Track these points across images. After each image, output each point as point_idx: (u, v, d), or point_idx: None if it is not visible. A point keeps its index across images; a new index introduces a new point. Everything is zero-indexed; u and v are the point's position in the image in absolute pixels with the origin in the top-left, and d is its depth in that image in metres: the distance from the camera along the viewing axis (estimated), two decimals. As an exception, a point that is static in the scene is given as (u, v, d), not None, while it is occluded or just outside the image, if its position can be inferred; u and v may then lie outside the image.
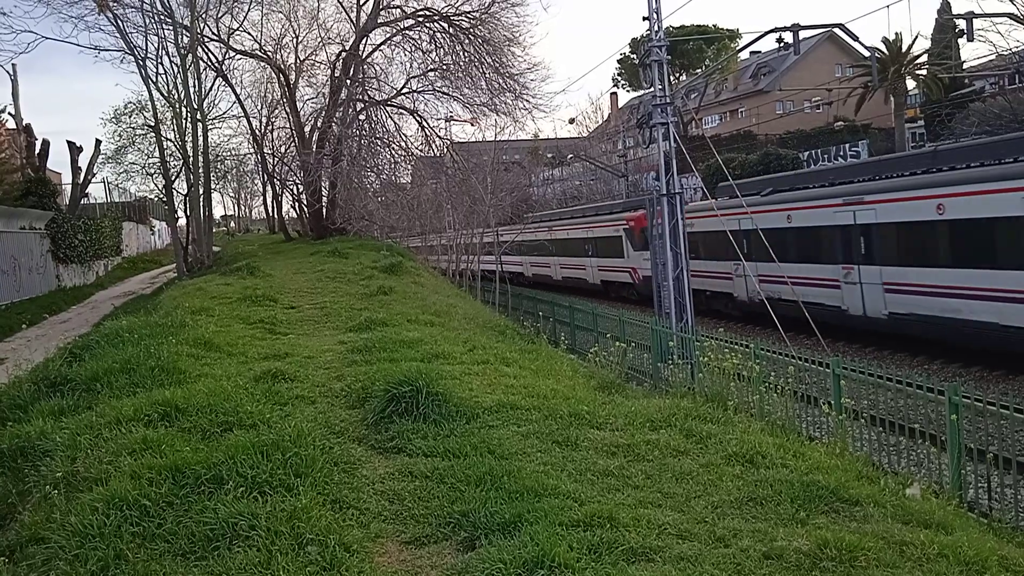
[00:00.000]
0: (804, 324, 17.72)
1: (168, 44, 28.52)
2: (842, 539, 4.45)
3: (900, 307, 18.50)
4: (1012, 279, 15.51)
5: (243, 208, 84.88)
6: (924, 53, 45.33)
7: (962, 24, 24.66)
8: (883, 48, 42.87)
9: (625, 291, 32.98)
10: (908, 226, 18.26)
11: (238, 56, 32.43)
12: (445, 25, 26.98)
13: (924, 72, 45.47)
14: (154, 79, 28.62)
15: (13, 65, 31.99)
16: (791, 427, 9.33)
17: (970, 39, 23.62)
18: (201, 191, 30.44)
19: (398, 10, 28.31)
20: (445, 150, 30.45)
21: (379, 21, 28.42)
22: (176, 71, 28.83)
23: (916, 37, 47.17)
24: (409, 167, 32.45)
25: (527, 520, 4.67)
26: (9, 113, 33.25)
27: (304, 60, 34.16)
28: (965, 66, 46.08)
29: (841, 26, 20.88)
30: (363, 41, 28.82)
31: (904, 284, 18.27)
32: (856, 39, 22.24)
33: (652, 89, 20.24)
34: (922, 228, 17.88)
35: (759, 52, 63.76)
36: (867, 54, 24.99)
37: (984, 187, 16.37)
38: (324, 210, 31.58)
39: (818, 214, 19.49)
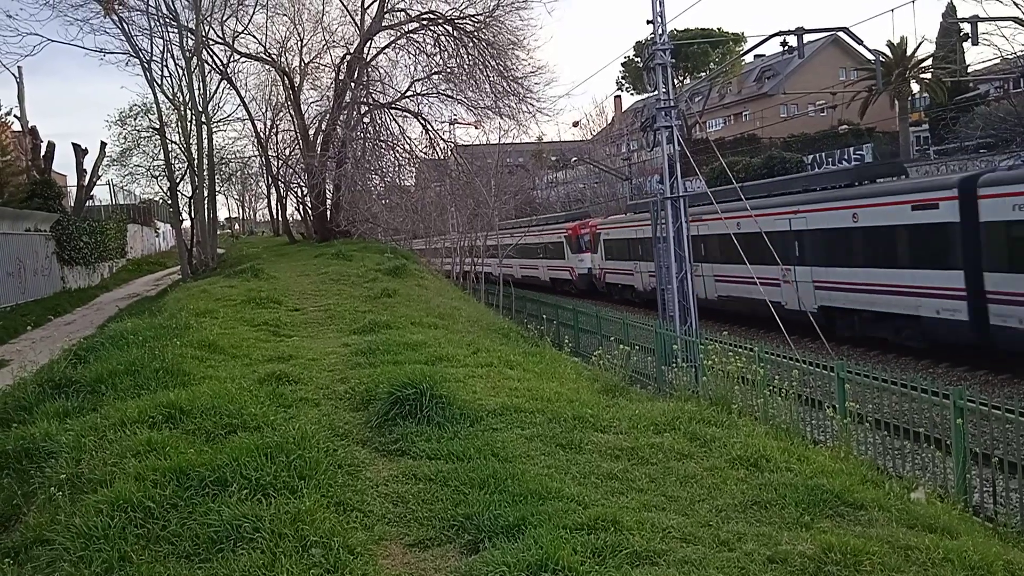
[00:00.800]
0: (755, 319, 21.56)
1: (173, 47, 28.62)
2: (847, 543, 4.44)
3: (828, 301, 21.63)
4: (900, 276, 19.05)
5: (247, 210, 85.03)
6: (929, 57, 45.32)
7: (967, 28, 24.60)
8: (887, 52, 42.85)
9: (566, 286, 39.78)
10: (831, 232, 21.20)
11: (243, 59, 32.59)
12: (449, 28, 27.02)
13: (928, 76, 45.43)
14: (159, 82, 28.68)
15: (19, 67, 32.08)
16: (795, 431, 9.31)
17: (975, 43, 23.54)
18: (205, 193, 30.48)
19: (402, 13, 28.37)
20: (449, 153, 30.48)
21: (383, 24, 28.47)
22: (181, 74, 28.91)
23: (921, 41, 47.09)
24: (413, 170, 32.46)
25: (531, 523, 4.67)
26: (15, 115, 33.35)
27: (308, 63, 34.29)
28: (970, 70, 46.03)
29: (845, 30, 20.87)
30: (367, 44, 28.87)
31: (829, 281, 21.47)
32: (860, 43, 22.23)
33: (656, 92, 20.24)
34: (842, 233, 20.87)
35: (763, 55, 63.90)
36: (871, 57, 24.95)
37: (885, 200, 19.79)
38: (328, 212, 31.62)
39: (762, 222, 21.25)
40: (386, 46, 29.27)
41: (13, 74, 31.64)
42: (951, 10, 46.19)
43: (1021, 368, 16.21)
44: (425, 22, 27.61)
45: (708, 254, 26.39)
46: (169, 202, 32.73)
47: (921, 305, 18.38)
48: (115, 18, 25.91)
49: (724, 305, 26.18)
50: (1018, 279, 15.91)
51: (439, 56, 27.83)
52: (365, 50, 28.82)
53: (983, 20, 25.59)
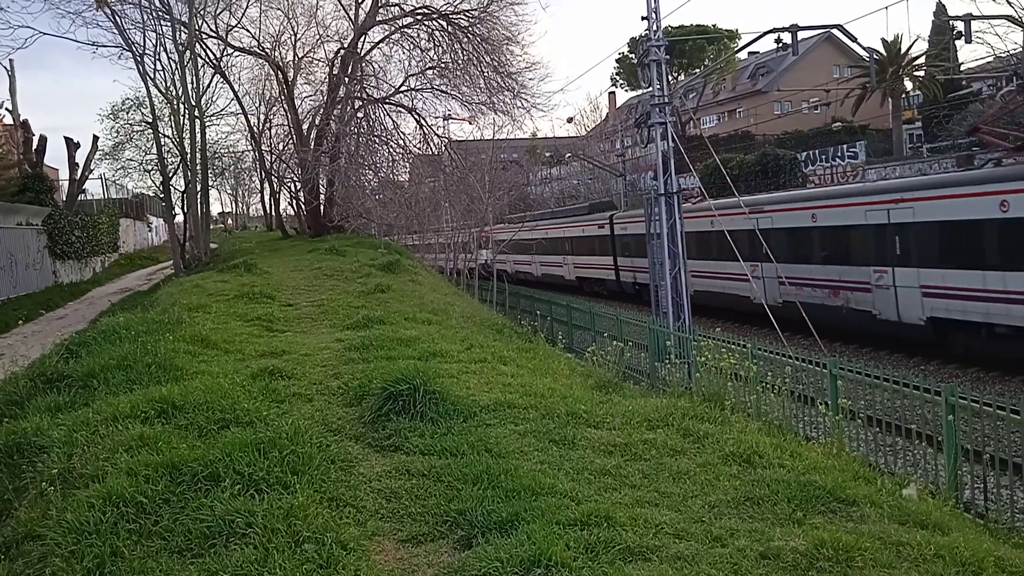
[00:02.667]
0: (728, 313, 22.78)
1: (166, 40, 28.59)
2: (839, 539, 4.45)
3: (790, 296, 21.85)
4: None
5: (241, 205, 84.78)
6: (922, 54, 45.44)
7: (960, 26, 24.68)
8: (881, 49, 42.93)
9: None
10: (792, 231, 21.81)
11: (236, 53, 32.48)
12: (444, 23, 26.97)
13: (922, 73, 45.55)
14: (152, 76, 28.65)
15: (11, 60, 32.01)
16: (788, 427, 9.33)
17: (968, 41, 23.63)
18: (199, 188, 30.44)
19: (397, 8, 28.31)
20: (443, 148, 30.45)
21: (378, 19, 28.40)
22: (174, 68, 28.86)
23: (916, 39, 47.20)
24: (407, 165, 32.45)
25: (524, 519, 4.67)
26: (7, 109, 33.23)
27: (302, 57, 34.20)
28: (963, 68, 46.15)
29: (839, 27, 20.90)
30: (362, 39, 28.81)
31: (790, 277, 21.70)
32: (854, 40, 22.29)
33: (650, 89, 20.25)
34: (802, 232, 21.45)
35: (757, 52, 63.83)
36: (865, 55, 25.04)
37: (839, 201, 20.58)
38: (322, 208, 31.57)
39: (729, 221, 21.93)
40: (380, 41, 29.22)
41: (5, 67, 31.50)
42: (943, 8, 46.33)
43: (1012, 366, 16.28)
44: (419, 17, 27.55)
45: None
46: (162, 196, 32.66)
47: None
48: (107, 11, 25.87)
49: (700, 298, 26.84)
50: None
51: (433, 51, 27.82)
52: (359, 45, 28.77)
53: (976, 18, 25.66)
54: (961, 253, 17.02)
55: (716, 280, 24.73)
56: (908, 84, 47.69)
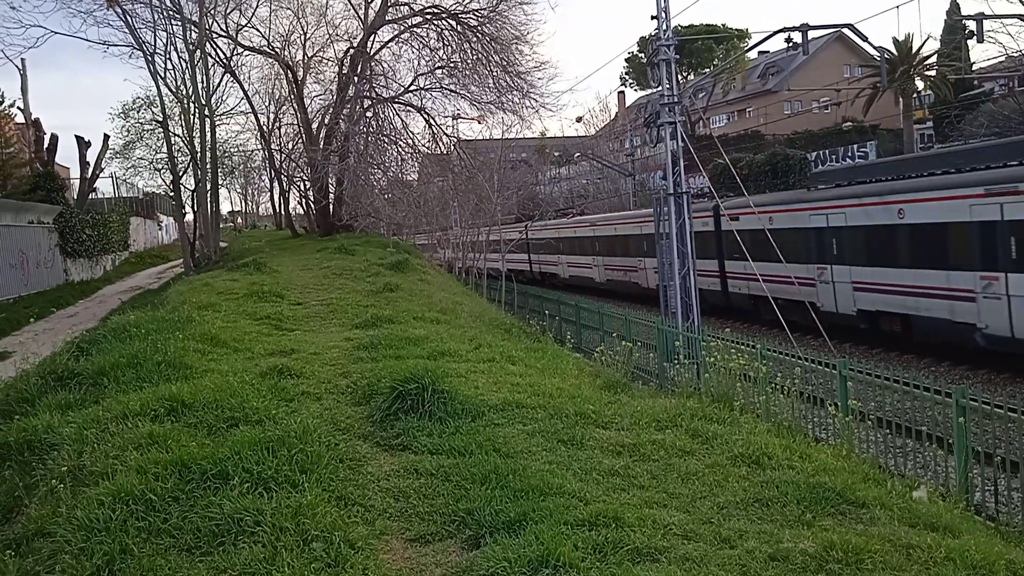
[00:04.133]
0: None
1: (177, 40, 28.66)
2: (848, 541, 4.44)
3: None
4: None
5: (250, 204, 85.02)
6: (934, 54, 45.12)
7: (972, 25, 24.54)
8: (892, 49, 42.66)
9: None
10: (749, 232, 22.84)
11: (246, 52, 32.52)
12: (453, 23, 26.95)
13: (933, 73, 45.25)
14: (162, 75, 28.73)
15: (22, 59, 32.09)
16: (797, 428, 9.30)
17: (980, 40, 23.52)
18: (208, 187, 30.53)
19: (406, 7, 28.30)
20: (452, 148, 30.43)
21: (387, 18, 28.41)
22: (184, 67, 28.95)
23: (927, 38, 46.87)
24: (416, 164, 32.44)
25: (532, 519, 4.67)
26: (18, 108, 33.41)
27: (312, 57, 34.20)
28: (975, 67, 45.86)
29: (850, 26, 20.81)
30: (371, 38, 28.82)
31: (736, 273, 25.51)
32: (865, 39, 22.23)
33: (660, 88, 20.19)
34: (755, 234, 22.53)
35: (768, 52, 63.57)
36: (876, 55, 24.92)
37: (790, 207, 22.78)
38: (331, 207, 31.61)
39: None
40: (389, 40, 29.22)
41: (16, 66, 31.63)
42: (956, 7, 46.04)
43: (1023, 367, 16.18)
44: (429, 16, 27.54)
45: (599, 250, 34.98)
46: (172, 195, 32.79)
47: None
48: (118, 10, 25.92)
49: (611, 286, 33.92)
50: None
51: (442, 51, 27.79)
52: (368, 44, 28.77)
53: (988, 17, 25.54)
54: (876, 254, 19.41)
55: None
56: (919, 84, 47.37)
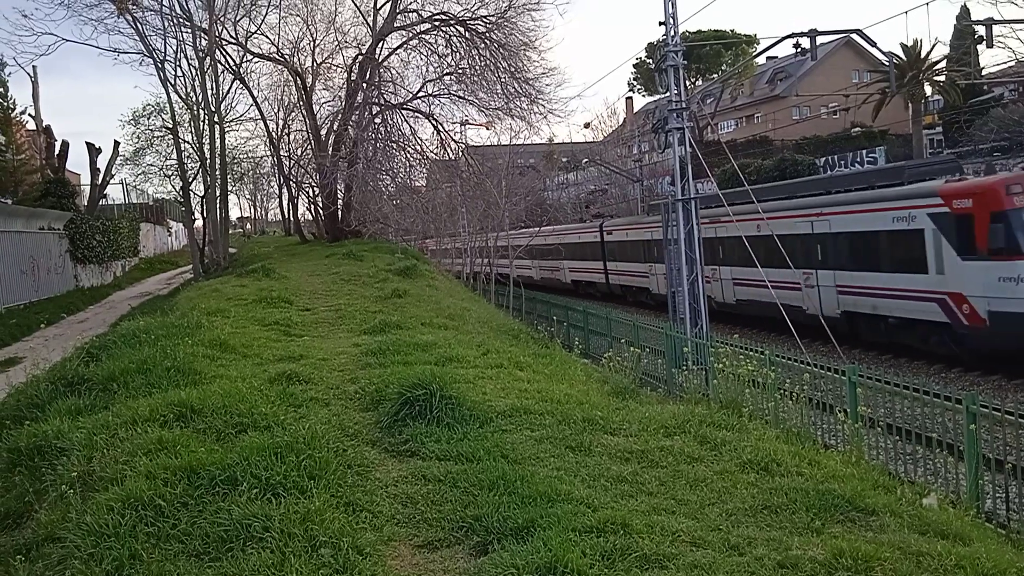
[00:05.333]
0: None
1: (187, 47, 28.77)
2: (858, 549, 4.41)
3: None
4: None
5: (259, 210, 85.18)
6: (943, 59, 45.02)
7: (981, 30, 24.46)
8: (901, 54, 42.59)
9: None
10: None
11: (255, 59, 32.68)
12: (461, 29, 27.04)
13: (942, 78, 45.13)
14: (172, 81, 28.82)
15: (34, 67, 32.31)
16: (806, 435, 9.27)
17: (989, 45, 23.38)
18: (218, 193, 30.60)
19: (415, 14, 28.42)
20: (460, 154, 30.49)
21: (396, 25, 28.52)
22: (194, 74, 29.04)
23: (935, 43, 46.64)
24: (424, 170, 32.53)
25: (540, 525, 4.66)
26: (29, 114, 33.65)
27: (321, 63, 34.36)
28: (984, 72, 45.70)
29: (859, 32, 20.75)
30: (379, 45, 28.93)
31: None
32: (874, 45, 22.11)
33: (668, 94, 20.19)
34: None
35: (776, 57, 63.55)
36: (885, 60, 24.83)
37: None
38: (339, 212, 31.70)
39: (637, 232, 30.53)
40: (398, 47, 29.33)
41: (28, 73, 31.84)
42: (965, 12, 45.94)
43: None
44: (437, 23, 27.63)
45: (565, 255, 39.13)
46: (181, 201, 32.90)
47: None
48: (129, 18, 26.07)
49: (576, 288, 38.65)
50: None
51: (451, 57, 27.88)
52: (377, 51, 28.88)
53: (998, 22, 25.40)
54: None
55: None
56: (928, 89, 47.25)
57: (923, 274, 17.82)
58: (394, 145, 28.72)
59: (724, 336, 18.53)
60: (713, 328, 20.55)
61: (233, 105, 36.72)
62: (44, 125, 33.62)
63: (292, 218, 47.94)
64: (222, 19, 28.86)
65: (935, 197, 17.64)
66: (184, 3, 27.40)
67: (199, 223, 33.81)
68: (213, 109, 28.28)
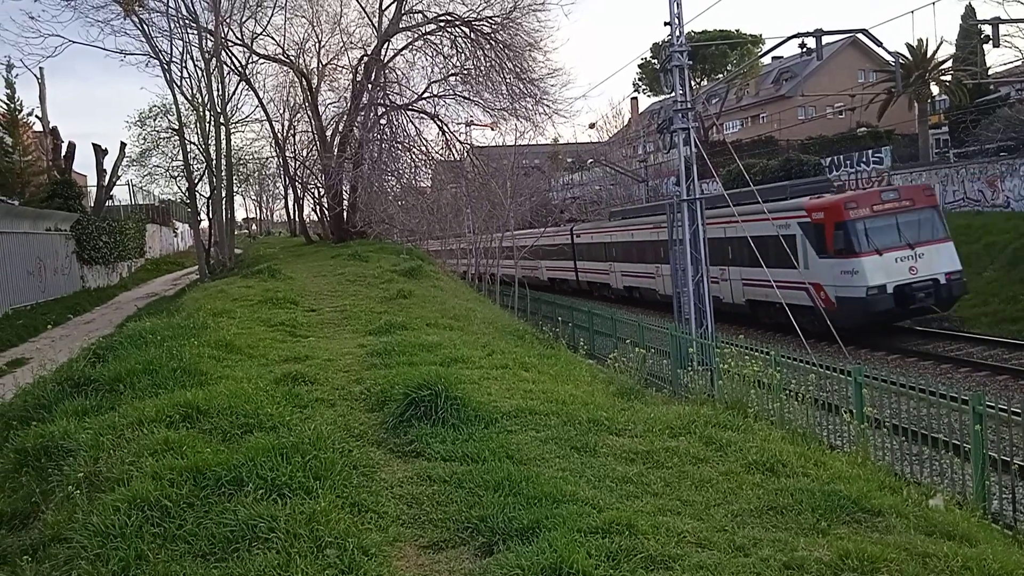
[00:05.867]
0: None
1: (193, 48, 28.86)
2: (864, 550, 4.40)
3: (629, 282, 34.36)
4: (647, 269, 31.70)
5: (265, 211, 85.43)
6: (949, 59, 44.85)
7: (988, 30, 24.38)
8: (907, 53, 42.42)
9: None
10: (625, 243, 33.70)
11: (261, 60, 32.74)
12: (466, 30, 27.05)
13: (948, 78, 44.98)
14: (178, 83, 28.93)
15: (40, 68, 32.52)
16: (812, 436, 9.25)
17: (995, 45, 23.33)
18: (224, 194, 30.73)
19: (420, 15, 28.45)
20: (465, 154, 30.51)
21: (401, 26, 28.55)
22: (200, 75, 29.14)
23: (941, 42, 46.49)
24: (429, 171, 32.52)
25: (545, 526, 4.66)
26: (36, 116, 33.75)
27: (326, 65, 34.45)
28: (990, 72, 45.53)
29: (865, 31, 20.74)
30: (385, 46, 28.97)
31: (627, 272, 34.25)
32: (880, 44, 22.11)
33: (673, 94, 20.19)
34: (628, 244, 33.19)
35: (781, 57, 63.51)
36: (891, 60, 24.79)
37: (641, 224, 32.33)
38: (345, 213, 31.75)
39: (599, 235, 35.60)
40: (403, 48, 29.38)
41: (35, 75, 32.06)
42: (971, 12, 45.79)
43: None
44: (442, 24, 27.65)
45: (543, 255, 41.28)
46: (187, 202, 32.99)
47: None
48: (135, 19, 26.17)
49: (552, 284, 42.22)
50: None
51: (456, 58, 27.89)
52: (382, 52, 28.92)
53: (1004, 22, 25.37)
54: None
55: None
56: (934, 89, 47.08)
57: (795, 269, 22.21)
58: (399, 146, 28.75)
59: (729, 336, 18.48)
60: (713, 328, 20.54)
61: (239, 106, 37.01)
62: (51, 127, 33.78)
63: (297, 219, 48.10)
64: (228, 20, 28.97)
65: (802, 211, 22.60)
66: (190, 5, 27.55)
67: (205, 224, 33.97)
68: (219, 110, 28.37)
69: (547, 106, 27.42)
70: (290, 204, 51.28)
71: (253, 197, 72.76)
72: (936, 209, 22.58)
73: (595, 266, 37.56)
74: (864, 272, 20.78)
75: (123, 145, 34.35)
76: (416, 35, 28.67)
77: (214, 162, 29.35)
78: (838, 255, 21.41)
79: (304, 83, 32.36)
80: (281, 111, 40.01)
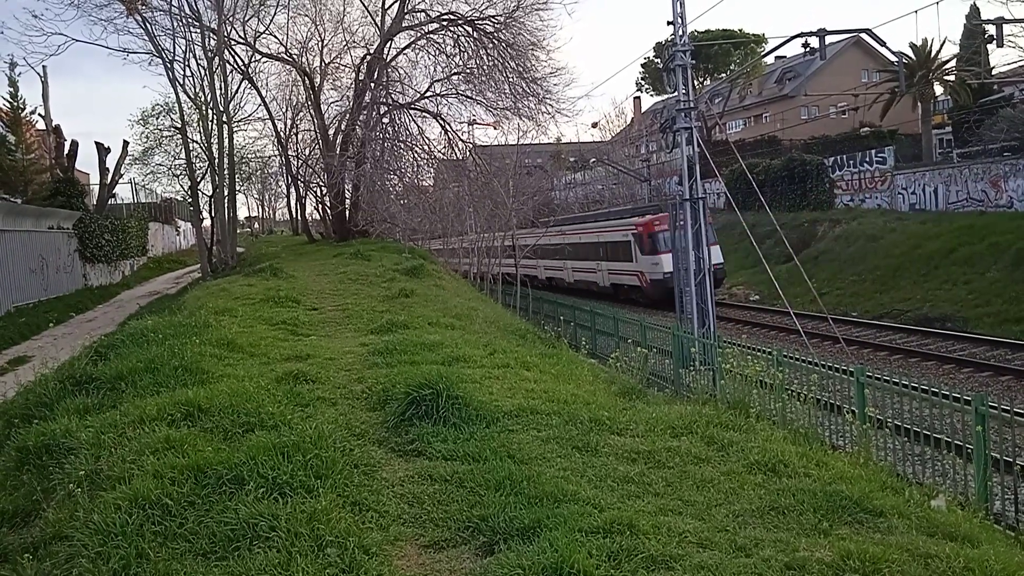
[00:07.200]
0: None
1: (195, 47, 28.94)
2: (866, 551, 4.39)
3: (576, 277, 39.62)
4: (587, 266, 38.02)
5: (267, 210, 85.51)
6: (952, 59, 44.76)
7: (991, 29, 24.31)
8: (910, 53, 42.35)
9: None
10: (576, 244, 38.87)
11: (264, 59, 32.77)
12: (469, 29, 27.05)
13: (952, 78, 44.89)
14: (181, 81, 28.99)
15: (43, 67, 32.74)
16: (814, 436, 9.22)
17: (999, 45, 23.24)
18: (226, 192, 30.77)
19: (423, 14, 28.45)
20: (467, 153, 30.52)
21: (404, 25, 28.56)
22: (203, 74, 29.24)
23: (944, 42, 46.32)
24: (431, 170, 32.55)
25: (546, 526, 4.65)
26: (39, 114, 33.81)
27: (329, 63, 34.45)
28: (994, 72, 45.43)
29: (868, 31, 20.69)
30: (388, 45, 28.98)
31: (577, 269, 39.31)
32: (883, 44, 22.08)
33: (676, 93, 20.17)
34: (584, 245, 38.26)
35: (785, 57, 63.43)
36: (894, 59, 24.74)
37: (589, 227, 38.12)
38: (347, 212, 31.77)
39: (559, 239, 39.94)
40: (406, 47, 29.38)
41: (38, 73, 32.21)
42: (975, 12, 45.68)
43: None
44: (445, 23, 27.66)
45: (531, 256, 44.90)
46: (190, 201, 33.06)
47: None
48: (138, 18, 26.22)
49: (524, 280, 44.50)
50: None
51: (458, 57, 27.90)
52: (385, 51, 28.93)
53: (1008, 22, 25.29)
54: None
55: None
56: (938, 89, 47.00)
57: (631, 263, 33.37)
58: (402, 145, 28.78)
59: (732, 336, 18.49)
60: (709, 328, 20.52)
61: (241, 105, 36.94)
62: (54, 125, 33.82)
63: (300, 218, 48.19)
64: (231, 19, 29.00)
65: (634, 226, 33.33)
66: (193, 3, 27.58)
67: (207, 222, 33.98)
68: (221, 109, 28.39)
69: (550, 105, 27.46)
70: (292, 203, 51.43)
71: (255, 196, 72.90)
72: (710, 224, 29.56)
73: (554, 264, 43.61)
74: (662, 264, 30.24)
75: (126, 143, 34.45)
76: (419, 34, 28.68)
77: (216, 161, 29.38)
78: (650, 253, 32.00)
79: (307, 82, 32.38)
80: (284, 110, 40.08)
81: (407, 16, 28.46)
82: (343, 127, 30.69)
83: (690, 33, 20.44)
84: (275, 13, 31.36)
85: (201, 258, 30.81)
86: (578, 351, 15.50)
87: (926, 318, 25.07)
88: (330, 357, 9.48)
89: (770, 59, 62.50)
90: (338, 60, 34.39)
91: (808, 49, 20.40)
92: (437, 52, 28.59)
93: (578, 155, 64.38)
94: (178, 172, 36.15)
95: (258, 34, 31.22)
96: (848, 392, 11.35)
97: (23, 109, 32.39)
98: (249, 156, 43.86)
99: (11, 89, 31.52)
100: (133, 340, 9.52)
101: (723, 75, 59.87)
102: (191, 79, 30.20)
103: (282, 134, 37.77)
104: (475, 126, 32.83)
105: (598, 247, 36.14)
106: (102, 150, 32.67)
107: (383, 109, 28.88)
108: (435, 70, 28.96)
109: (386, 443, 6.38)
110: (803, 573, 4.25)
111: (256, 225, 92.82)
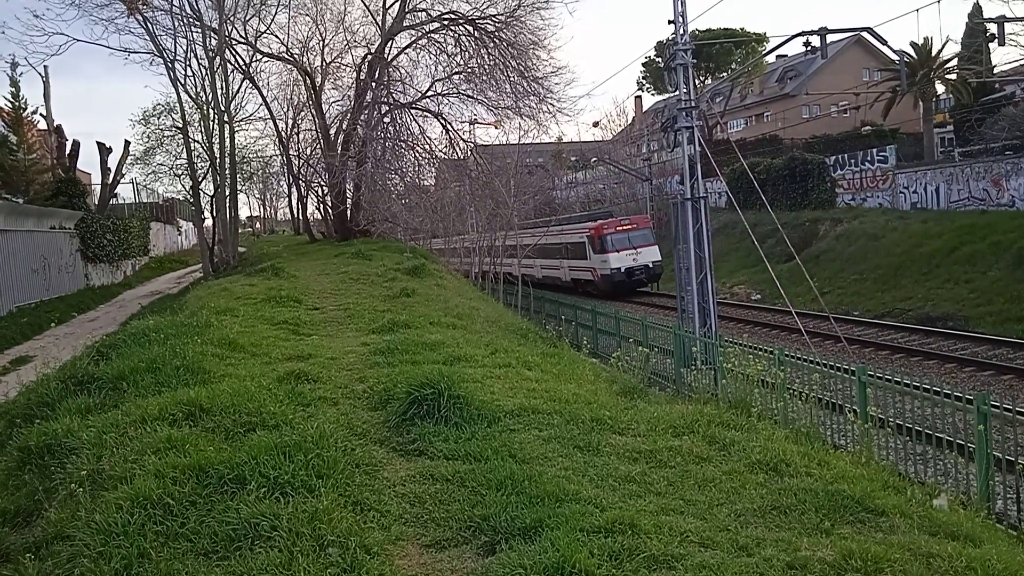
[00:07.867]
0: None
1: (197, 47, 28.91)
2: (867, 550, 4.39)
3: (544, 273, 42.72)
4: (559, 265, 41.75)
5: (268, 209, 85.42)
6: (954, 57, 44.74)
7: (993, 28, 24.29)
8: (912, 52, 42.31)
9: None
10: (544, 246, 40.82)
11: (265, 59, 32.73)
12: (470, 28, 27.04)
13: (954, 76, 44.86)
14: (182, 81, 28.98)
15: (45, 67, 32.55)
16: (815, 435, 9.23)
17: (1001, 43, 23.21)
18: (227, 192, 30.76)
19: (424, 13, 28.43)
20: (469, 153, 30.50)
21: (405, 24, 28.55)
22: (204, 73, 29.20)
23: (946, 41, 46.37)
24: (433, 170, 32.55)
25: (548, 525, 4.65)
26: (41, 114, 33.77)
27: (330, 63, 34.43)
28: (996, 70, 45.41)
29: (869, 30, 20.66)
30: (389, 44, 28.97)
31: (545, 266, 42.61)
32: (884, 43, 22.05)
33: (677, 93, 20.16)
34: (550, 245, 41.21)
35: (786, 56, 63.42)
36: (895, 58, 24.71)
37: (561, 230, 41.46)
38: (348, 212, 31.77)
39: (529, 240, 40.43)
40: (407, 46, 29.36)
41: (39, 73, 32.11)
42: (977, 10, 45.68)
43: None
44: (446, 22, 27.65)
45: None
46: (191, 201, 33.04)
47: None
48: (139, 18, 26.23)
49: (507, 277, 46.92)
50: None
51: (460, 56, 27.89)
52: (386, 50, 28.92)
53: (1010, 20, 25.27)
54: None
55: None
56: (939, 87, 46.97)
57: (586, 260, 38.44)
58: (403, 144, 28.77)
59: (734, 335, 18.47)
60: (710, 327, 20.51)
61: (243, 104, 37.03)
62: (55, 125, 33.78)
63: (301, 217, 48.16)
64: (232, 19, 29.00)
65: (588, 229, 38.21)
66: (194, 3, 27.59)
67: (209, 222, 33.94)
68: (223, 108, 28.39)
69: (551, 104, 27.45)
70: (294, 202, 51.31)
71: (257, 195, 72.89)
72: (650, 228, 39.18)
73: (526, 262, 46.00)
74: (610, 261, 36.77)
75: (127, 143, 34.40)
76: (420, 33, 28.67)
77: (218, 160, 29.37)
78: (600, 252, 37.37)
79: (308, 81, 32.36)
80: (285, 109, 40.07)
81: (408, 15, 28.46)
82: (344, 127, 30.69)
83: (691, 32, 20.43)
84: (276, 13, 31.37)
85: (203, 258, 30.82)
86: (579, 350, 15.51)
87: (928, 317, 25.07)
88: (331, 357, 9.48)
89: (771, 58, 62.55)
90: (339, 59, 34.42)
91: (809, 48, 20.37)
92: (438, 51, 28.62)
93: (579, 154, 64.40)
94: (179, 172, 36.13)
95: (259, 34, 31.23)
96: (850, 391, 11.34)
97: (25, 109, 32.36)
98: (250, 156, 43.83)
99: (12, 89, 31.49)
100: (135, 340, 9.51)
101: (724, 74, 59.82)
102: (192, 79, 30.21)
103: (283, 134, 37.80)
104: (476, 125, 32.80)
105: (560, 248, 41.07)
106: (103, 150, 32.67)
107: (384, 108, 28.88)
108: (436, 69, 28.99)
109: (387, 443, 6.38)
110: (805, 572, 4.25)
111: (257, 225, 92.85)
